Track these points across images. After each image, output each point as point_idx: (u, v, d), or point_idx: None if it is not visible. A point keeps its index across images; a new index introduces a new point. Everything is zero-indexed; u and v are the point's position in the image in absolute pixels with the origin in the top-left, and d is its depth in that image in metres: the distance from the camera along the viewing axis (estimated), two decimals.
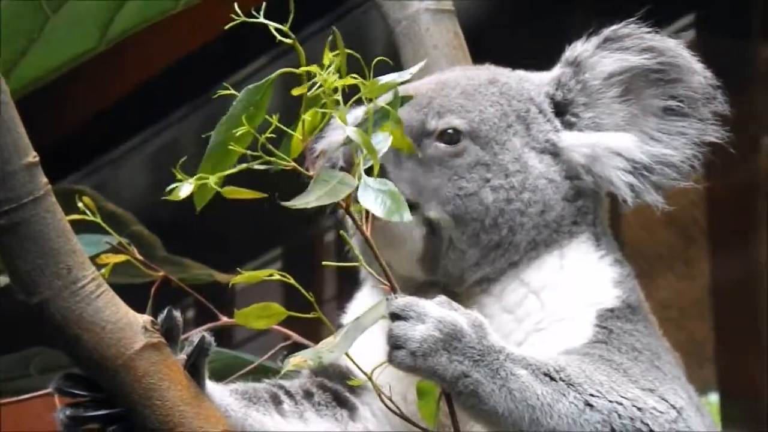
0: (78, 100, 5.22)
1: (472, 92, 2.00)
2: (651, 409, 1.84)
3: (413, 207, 1.88)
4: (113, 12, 2.60)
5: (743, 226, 5.04)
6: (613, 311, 1.95)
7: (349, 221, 1.79)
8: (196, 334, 1.88)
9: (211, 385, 1.88)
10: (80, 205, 1.94)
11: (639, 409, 1.84)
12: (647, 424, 1.83)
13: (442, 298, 1.82)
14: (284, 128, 1.77)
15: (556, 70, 2.05)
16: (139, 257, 1.99)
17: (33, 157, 1.76)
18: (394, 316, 1.78)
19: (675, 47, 2.00)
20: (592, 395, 1.82)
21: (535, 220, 1.97)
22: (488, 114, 1.98)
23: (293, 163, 1.78)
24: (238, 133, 1.74)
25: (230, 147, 1.75)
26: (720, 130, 2.00)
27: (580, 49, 2.03)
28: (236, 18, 1.77)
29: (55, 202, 1.79)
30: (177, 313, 1.85)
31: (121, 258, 1.97)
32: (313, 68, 1.75)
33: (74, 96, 5.04)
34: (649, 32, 2.00)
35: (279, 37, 1.75)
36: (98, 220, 1.94)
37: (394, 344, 1.77)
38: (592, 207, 2.01)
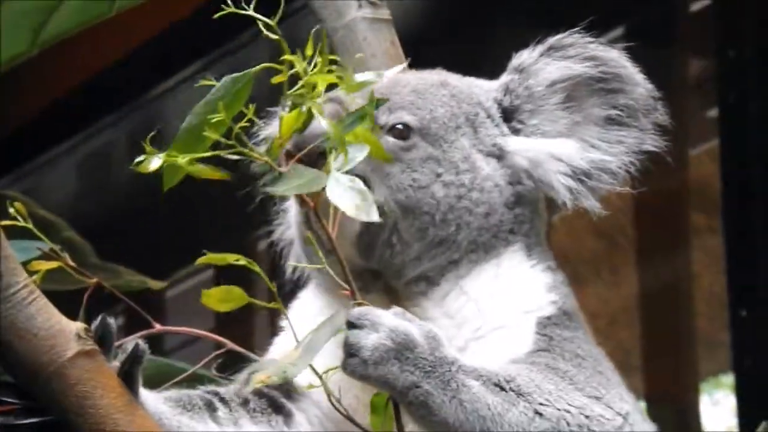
0: (7, 104, 5.15)
1: (423, 92, 2.02)
2: (598, 416, 1.88)
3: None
4: (46, 15, 2.58)
5: (669, 235, 5.12)
6: (551, 318, 1.98)
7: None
8: (129, 342, 1.86)
9: (144, 393, 1.86)
10: (11, 210, 1.92)
11: (587, 416, 1.87)
12: (594, 431, 1.86)
13: (397, 309, 1.84)
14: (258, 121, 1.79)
15: (504, 77, 2.07)
16: (72, 264, 1.97)
17: None
18: (350, 325, 1.80)
19: (618, 58, 2.03)
20: (541, 404, 1.84)
21: (480, 221, 1.99)
22: (438, 113, 2.00)
23: (266, 158, 1.79)
24: (214, 120, 1.76)
25: (203, 133, 1.76)
26: (658, 140, 2.03)
27: (525, 56, 2.06)
28: (225, 8, 1.79)
29: None
30: (111, 320, 1.84)
31: (53, 264, 1.94)
32: (297, 63, 1.75)
33: (3, 100, 4.98)
34: (592, 42, 2.04)
35: (265, 32, 1.76)
36: (30, 226, 1.91)
37: (348, 352, 1.79)
38: (529, 217, 2.04)
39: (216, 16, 1.80)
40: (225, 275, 1.92)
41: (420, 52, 2.20)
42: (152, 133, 1.81)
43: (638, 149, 2.02)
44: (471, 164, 1.99)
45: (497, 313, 1.97)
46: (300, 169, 1.79)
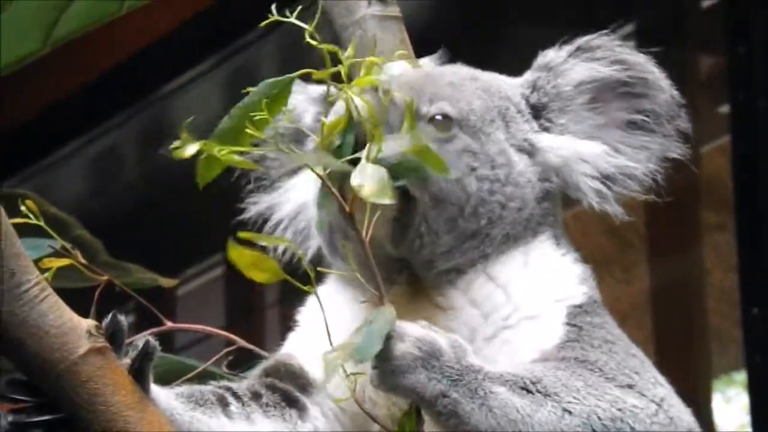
0: (18, 102, 5.16)
1: (459, 84, 2.02)
2: (631, 407, 1.87)
3: (395, 177, 1.88)
4: (58, 14, 2.59)
5: (681, 233, 5.11)
6: (582, 307, 1.98)
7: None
8: (140, 339, 1.87)
9: (156, 389, 1.87)
10: (23, 208, 1.92)
11: (619, 409, 1.87)
12: (628, 423, 1.86)
13: (423, 322, 1.84)
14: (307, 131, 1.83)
15: (529, 75, 2.08)
16: (83, 261, 1.98)
17: None
18: None
19: (644, 62, 2.03)
20: (569, 402, 1.85)
21: (513, 216, 1.99)
22: (475, 106, 2.00)
23: (305, 159, 1.83)
24: (256, 118, 1.80)
25: (245, 130, 1.80)
26: (682, 147, 2.03)
27: (552, 55, 2.06)
28: (270, 17, 1.82)
29: None
30: (122, 318, 1.84)
31: (64, 262, 1.95)
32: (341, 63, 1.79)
33: (14, 98, 4.99)
34: (620, 45, 2.04)
35: (309, 41, 1.80)
36: (41, 223, 1.92)
37: (374, 364, 1.80)
38: (553, 210, 2.05)
39: (262, 24, 1.84)
40: (234, 271, 1.92)
41: (430, 49, 2.20)
42: (188, 120, 1.84)
43: (662, 156, 2.02)
44: (507, 158, 1.99)
45: (528, 302, 1.98)
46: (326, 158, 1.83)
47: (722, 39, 4.50)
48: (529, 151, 2.02)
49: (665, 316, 5.12)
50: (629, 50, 2.04)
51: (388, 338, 1.80)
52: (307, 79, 1.87)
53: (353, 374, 1.83)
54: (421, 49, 2.26)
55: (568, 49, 2.05)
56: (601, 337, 1.95)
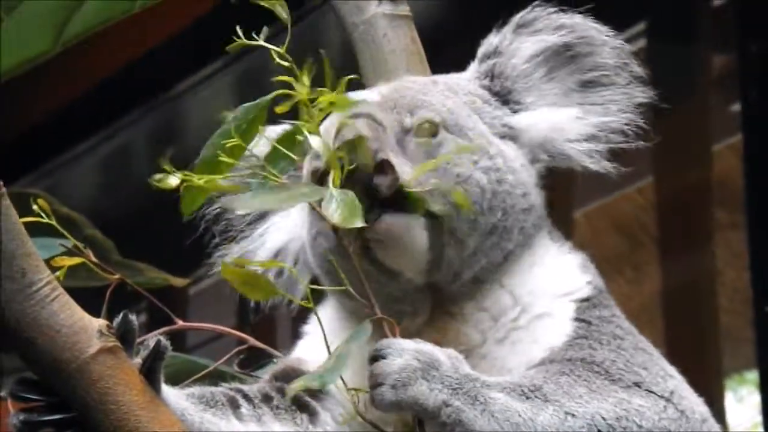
0: (29, 102, 5.17)
1: (426, 91, 2.03)
2: (637, 407, 1.88)
3: (419, 204, 1.91)
4: (69, 13, 2.59)
5: (692, 231, 5.10)
6: (589, 300, 1.99)
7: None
8: (151, 338, 1.87)
9: (167, 389, 1.87)
10: (35, 207, 1.93)
11: (624, 409, 1.87)
12: (634, 421, 1.87)
13: (418, 339, 1.85)
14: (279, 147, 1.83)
15: (478, 65, 2.09)
16: (94, 260, 1.98)
17: None
18: (373, 358, 1.82)
19: (583, 21, 2.06)
20: (571, 406, 1.85)
21: (522, 203, 1.99)
22: (449, 105, 2.01)
23: (282, 179, 1.83)
24: (229, 145, 1.81)
25: (219, 158, 1.81)
26: (647, 91, 2.05)
27: (497, 40, 2.09)
28: (237, 39, 1.85)
29: (9, 204, 1.78)
30: (133, 317, 1.84)
31: (75, 261, 1.95)
32: (299, 88, 1.81)
33: (25, 98, 5.00)
34: (554, 12, 2.07)
35: (277, 60, 1.81)
36: (53, 222, 1.92)
37: (375, 383, 1.81)
38: (542, 197, 2.06)
39: (228, 48, 1.85)
40: None
41: (440, 48, 2.20)
42: (168, 152, 1.85)
43: (632, 104, 2.04)
44: (496, 147, 2.00)
45: (535, 301, 1.98)
46: (294, 184, 1.84)
47: (733, 37, 4.49)
48: (512, 135, 2.04)
49: (677, 316, 5.11)
50: (565, 14, 2.06)
51: (382, 357, 1.81)
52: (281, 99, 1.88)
53: (354, 390, 1.84)
54: (430, 48, 2.26)
55: (508, 30, 2.08)
56: (609, 332, 1.96)
